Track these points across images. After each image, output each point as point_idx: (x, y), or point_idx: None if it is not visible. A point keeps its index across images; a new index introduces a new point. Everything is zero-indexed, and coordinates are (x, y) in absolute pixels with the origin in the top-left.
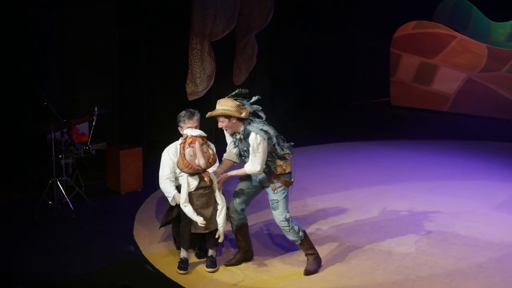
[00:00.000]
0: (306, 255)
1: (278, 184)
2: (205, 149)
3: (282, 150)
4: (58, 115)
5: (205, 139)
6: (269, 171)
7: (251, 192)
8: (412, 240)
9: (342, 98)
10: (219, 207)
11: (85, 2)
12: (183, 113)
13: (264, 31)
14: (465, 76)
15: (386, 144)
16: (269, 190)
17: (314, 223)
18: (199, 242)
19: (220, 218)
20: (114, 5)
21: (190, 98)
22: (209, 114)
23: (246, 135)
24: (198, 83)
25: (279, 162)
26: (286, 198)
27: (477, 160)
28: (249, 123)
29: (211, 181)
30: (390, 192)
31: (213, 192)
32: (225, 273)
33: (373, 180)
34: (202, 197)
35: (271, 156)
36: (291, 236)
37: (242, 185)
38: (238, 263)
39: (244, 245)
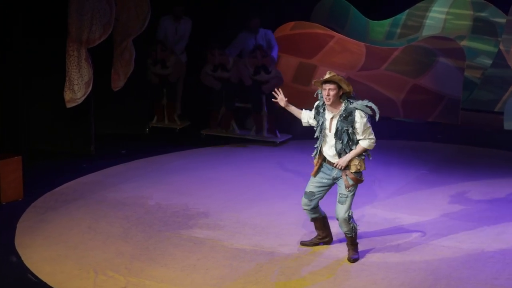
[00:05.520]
0: (349, 249)
1: (351, 182)
2: None
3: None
4: None
5: None
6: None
7: (322, 194)
8: (294, 240)
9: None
10: None
11: None
12: None
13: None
14: (345, 75)
15: (263, 147)
16: (341, 183)
17: (195, 227)
18: None
19: None
20: None
21: (69, 105)
22: (328, 77)
23: (349, 113)
24: (76, 90)
25: (356, 159)
26: (354, 195)
27: None
28: (350, 102)
29: None
30: (271, 194)
31: None
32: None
33: (254, 182)
34: None
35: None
36: (345, 229)
37: (313, 188)
38: (313, 245)
39: (321, 233)
